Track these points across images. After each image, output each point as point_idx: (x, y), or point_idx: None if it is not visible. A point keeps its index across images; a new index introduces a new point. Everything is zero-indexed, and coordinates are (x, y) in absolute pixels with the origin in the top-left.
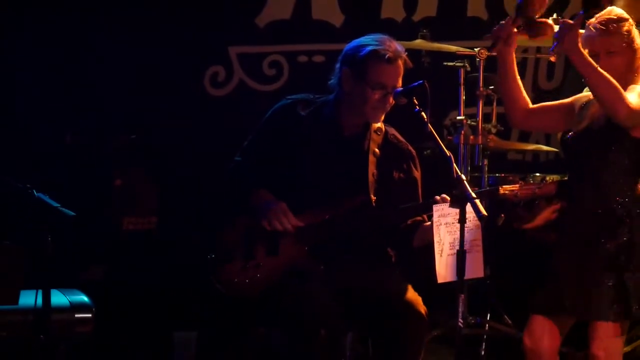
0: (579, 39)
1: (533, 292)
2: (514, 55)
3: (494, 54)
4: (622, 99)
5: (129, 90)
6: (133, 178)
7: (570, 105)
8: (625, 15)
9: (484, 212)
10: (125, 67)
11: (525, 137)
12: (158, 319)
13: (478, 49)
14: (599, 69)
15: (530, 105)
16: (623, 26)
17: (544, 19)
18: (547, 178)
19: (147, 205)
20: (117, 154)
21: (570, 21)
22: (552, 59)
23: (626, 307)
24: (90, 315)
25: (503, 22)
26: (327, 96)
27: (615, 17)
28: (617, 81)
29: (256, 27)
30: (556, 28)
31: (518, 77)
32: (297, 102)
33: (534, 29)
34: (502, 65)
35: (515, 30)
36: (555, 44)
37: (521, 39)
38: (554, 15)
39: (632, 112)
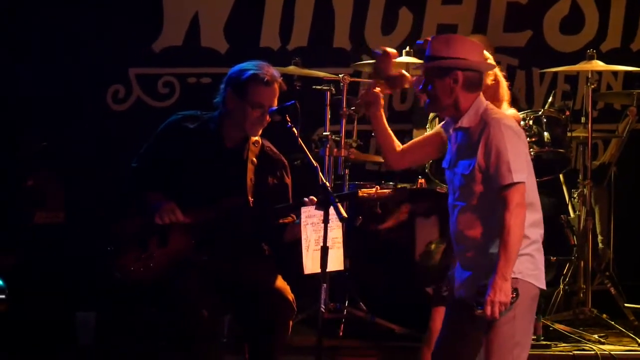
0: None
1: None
2: (382, 112)
3: (367, 113)
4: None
5: (42, 102)
6: (44, 179)
7: (437, 135)
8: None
9: (344, 214)
10: (39, 82)
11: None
12: (63, 300)
13: (342, 75)
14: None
15: (401, 147)
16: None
17: (398, 71)
18: (399, 185)
19: (56, 202)
20: (30, 158)
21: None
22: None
23: None
24: (4, 296)
25: (366, 88)
26: (212, 113)
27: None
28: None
29: (152, 51)
30: (408, 75)
31: (388, 128)
32: (186, 117)
33: (392, 83)
34: (374, 121)
35: (378, 89)
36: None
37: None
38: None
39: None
